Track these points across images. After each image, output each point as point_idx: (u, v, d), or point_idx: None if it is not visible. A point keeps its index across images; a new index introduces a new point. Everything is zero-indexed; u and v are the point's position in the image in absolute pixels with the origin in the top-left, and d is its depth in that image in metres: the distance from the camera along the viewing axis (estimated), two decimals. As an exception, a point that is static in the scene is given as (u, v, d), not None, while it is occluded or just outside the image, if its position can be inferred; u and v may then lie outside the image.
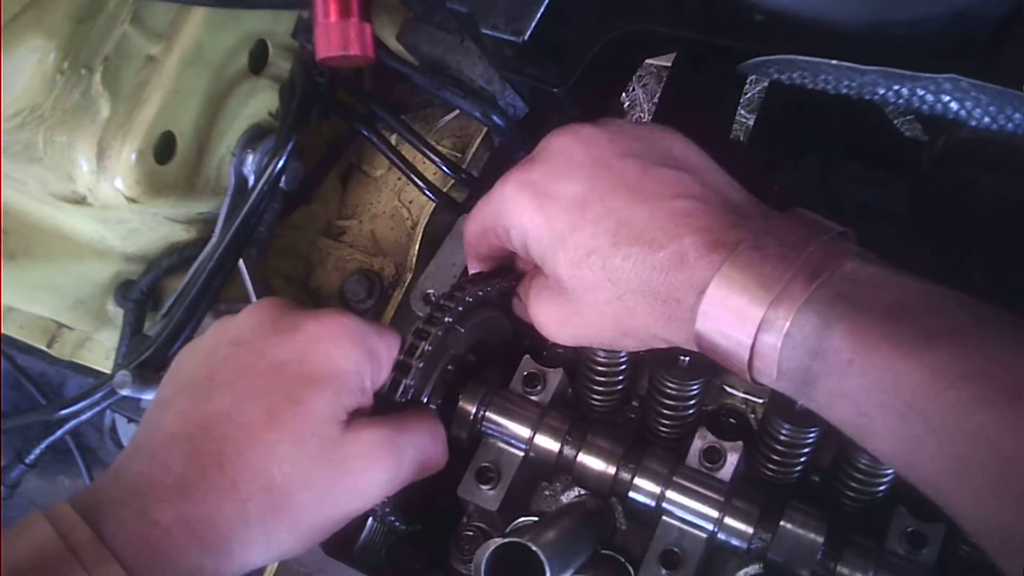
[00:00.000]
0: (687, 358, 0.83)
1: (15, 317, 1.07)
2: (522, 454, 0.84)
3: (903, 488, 0.83)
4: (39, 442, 1.02)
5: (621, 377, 0.88)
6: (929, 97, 0.75)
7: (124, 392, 0.90)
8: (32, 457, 1.02)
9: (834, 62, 0.73)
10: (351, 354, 0.73)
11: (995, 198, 0.92)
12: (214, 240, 0.98)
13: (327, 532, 0.71)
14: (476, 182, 1.14)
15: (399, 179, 1.23)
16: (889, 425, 0.57)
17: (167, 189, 0.95)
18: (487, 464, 0.83)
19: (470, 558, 0.87)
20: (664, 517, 0.80)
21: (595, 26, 0.93)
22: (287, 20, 1.04)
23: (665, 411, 0.86)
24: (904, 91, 0.75)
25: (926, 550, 0.77)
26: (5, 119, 0.83)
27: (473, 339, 0.84)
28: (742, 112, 2.32)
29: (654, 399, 0.86)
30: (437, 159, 1.10)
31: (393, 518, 0.81)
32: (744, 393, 0.90)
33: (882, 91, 0.76)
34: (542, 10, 0.85)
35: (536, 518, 0.87)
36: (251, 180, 1.01)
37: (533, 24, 0.85)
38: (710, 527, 0.79)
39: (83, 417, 0.97)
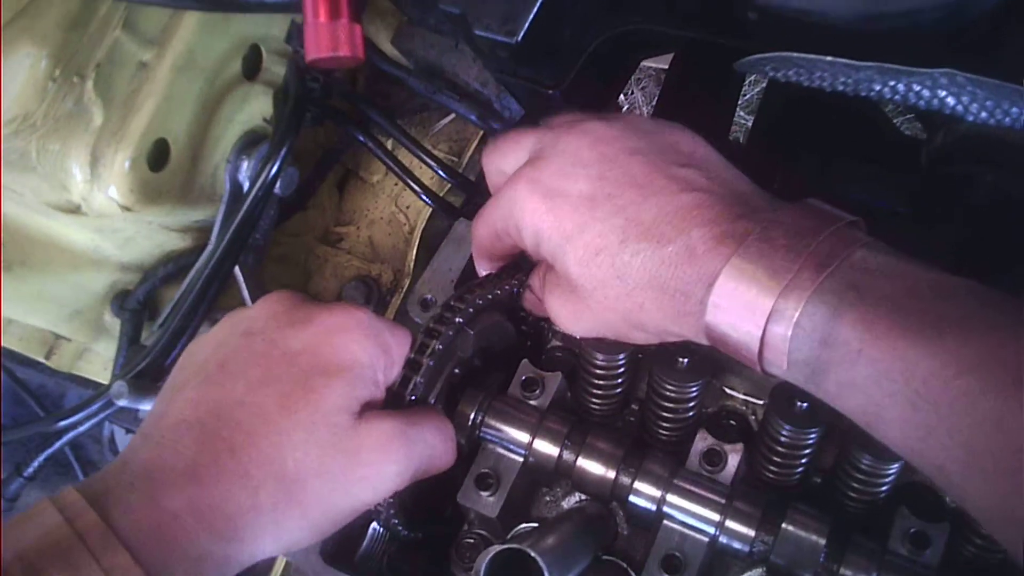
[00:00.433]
0: (685, 360, 0.82)
1: (13, 329, 1.07)
2: (521, 459, 0.83)
3: (905, 488, 0.82)
4: (37, 455, 1.02)
5: (620, 380, 0.87)
6: (925, 92, 0.74)
7: (121, 403, 0.89)
8: (30, 470, 1.02)
9: (829, 59, 0.73)
10: (365, 346, 0.73)
11: (994, 193, 0.91)
12: (210, 248, 0.98)
13: (336, 524, 0.70)
14: (473, 186, 1.13)
15: (396, 184, 1.22)
16: (899, 414, 0.57)
17: (161, 197, 0.95)
18: (486, 470, 0.83)
19: (471, 565, 0.86)
20: (665, 521, 0.79)
21: (589, 26, 0.93)
22: (281, 25, 1.03)
23: (665, 413, 0.85)
24: (900, 87, 0.74)
25: (929, 550, 0.76)
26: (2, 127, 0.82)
27: (480, 343, 0.84)
28: (741, 113, 2.31)
29: (653, 401, 0.85)
30: (433, 163, 1.10)
31: (396, 521, 0.80)
32: (744, 395, 0.90)
33: (878, 87, 0.76)
34: (535, 11, 0.84)
35: (537, 524, 0.86)
36: (246, 186, 1.01)
37: (526, 25, 0.84)
38: (711, 531, 0.78)
39: (80, 429, 0.97)
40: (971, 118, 0.75)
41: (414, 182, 1.11)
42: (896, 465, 0.78)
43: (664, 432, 0.87)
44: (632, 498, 0.81)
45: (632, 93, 2.73)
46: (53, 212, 0.93)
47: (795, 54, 0.74)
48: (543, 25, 0.85)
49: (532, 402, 0.85)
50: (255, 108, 1.03)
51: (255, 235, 1.01)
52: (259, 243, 1.05)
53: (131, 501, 0.63)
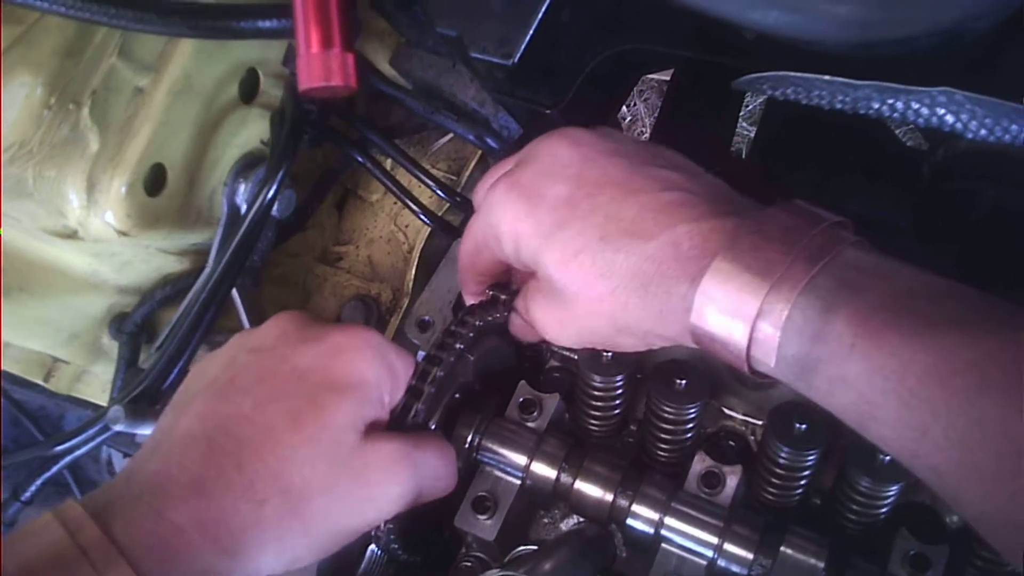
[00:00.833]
0: (683, 381, 0.81)
1: (12, 353, 1.07)
2: (519, 482, 0.83)
3: (905, 509, 0.82)
4: (35, 478, 1.02)
5: (618, 401, 0.87)
6: (924, 110, 0.74)
7: (117, 428, 0.89)
8: (28, 494, 1.02)
9: (827, 77, 0.73)
10: (374, 366, 0.73)
11: (996, 208, 0.91)
12: (207, 271, 0.98)
13: (338, 543, 0.70)
14: (471, 205, 1.13)
15: (395, 204, 1.22)
16: (892, 412, 0.56)
17: (158, 221, 0.95)
18: (484, 493, 0.82)
19: (469, 589, 0.86)
20: (663, 544, 0.79)
21: (586, 47, 0.93)
22: (278, 48, 1.03)
23: (663, 435, 0.85)
24: (899, 105, 0.74)
25: (929, 572, 0.75)
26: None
27: (480, 367, 0.84)
28: (743, 124, 2.30)
29: (652, 423, 0.85)
30: (432, 183, 1.10)
31: (396, 545, 0.80)
32: (743, 415, 0.89)
33: (877, 105, 0.76)
34: (531, 33, 0.85)
35: (535, 546, 0.86)
36: (243, 209, 1.01)
37: (523, 47, 0.85)
38: (710, 554, 0.77)
39: (77, 453, 0.97)
40: (970, 135, 0.75)
41: (413, 202, 1.11)
42: (896, 486, 0.78)
43: (663, 453, 0.87)
44: (630, 521, 0.80)
45: (635, 105, 2.73)
46: (51, 237, 0.94)
47: (793, 73, 0.74)
48: (540, 46, 0.85)
49: (530, 424, 0.85)
50: (253, 131, 1.03)
51: (253, 257, 1.01)
52: (257, 265, 1.05)
53: (135, 514, 0.63)
